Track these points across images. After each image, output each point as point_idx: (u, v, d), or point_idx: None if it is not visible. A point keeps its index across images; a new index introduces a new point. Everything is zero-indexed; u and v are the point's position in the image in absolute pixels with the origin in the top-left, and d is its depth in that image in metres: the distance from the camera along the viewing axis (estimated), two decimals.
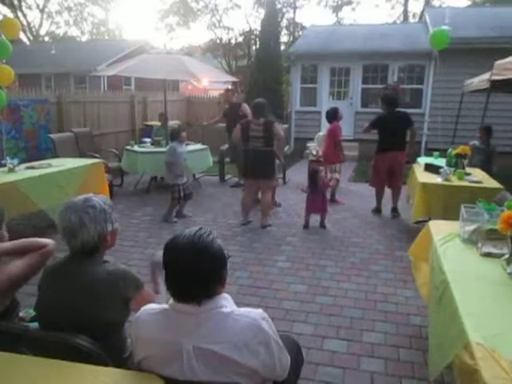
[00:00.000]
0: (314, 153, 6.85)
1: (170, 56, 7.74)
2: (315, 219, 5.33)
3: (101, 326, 1.61)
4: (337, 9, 26.87)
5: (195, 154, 7.06)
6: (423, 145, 9.93)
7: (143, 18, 54.79)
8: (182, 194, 5.42)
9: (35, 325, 1.91)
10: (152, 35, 56.00)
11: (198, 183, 7.62)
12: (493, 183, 4.48)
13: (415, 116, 5.86)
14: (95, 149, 7.50)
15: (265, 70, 12.71)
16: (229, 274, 1.41)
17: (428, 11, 12.59)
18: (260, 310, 1.38)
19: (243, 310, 1.37)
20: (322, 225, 5.28)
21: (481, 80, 5.95)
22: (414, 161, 6.02)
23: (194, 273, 1.29)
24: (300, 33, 21.29)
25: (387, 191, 5.90)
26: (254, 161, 5.01)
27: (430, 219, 3.58)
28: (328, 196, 6.01)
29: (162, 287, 1.83)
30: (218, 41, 24.75)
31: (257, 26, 22.54)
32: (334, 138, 6.39)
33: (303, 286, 3.68)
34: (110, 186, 6.22)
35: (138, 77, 11.23)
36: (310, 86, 11.49)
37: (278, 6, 20.87)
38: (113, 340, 1.66)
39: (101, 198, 1.75)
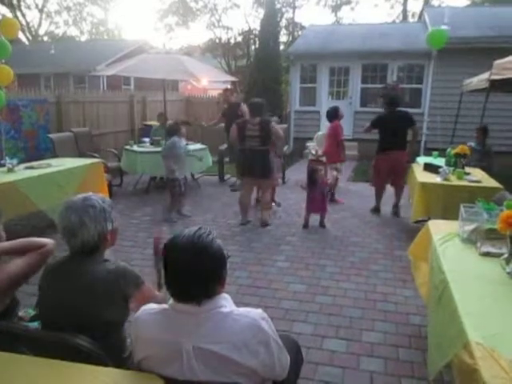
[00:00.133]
0: (314, 152, 6.85)
1: (170, 56, 7.75)
2: (315, 219, 5.34)
3: (101, 325, 1.61)
4: (336, 8, 26.89)
5: (195, 153, 7.05)
6: (422, 144, 9.93)
7: (142, 18, 54.79)
8: (182, 189, 5.44)
9: (35, 324, 1.92)
10: (151, 35, 56.06)
11: (198, 183, 7.62)
12: (492, 183, 4.49)
13: (414, 116, 5.85)
14: (94, 149, 7.50)
15: (264, 69, 12.73)
16: (228, 273, 1.41)
17: (427, 11, 12.61)
18: (259, 310, 1.38)
19: (243, 309, 1.37)
20: (322, 224, 5.29)
21: (480, 80, 5.95)
22: (413, 160, 6.02)
23: (194, 273, 1.29)
24: (299, 32, 21.30)
25: (388, 191, 5.90)
26: (251, 160, 5.02)
27: (429, 219, 3.59)
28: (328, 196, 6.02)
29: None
30: (217, 40, 24.75)
31: (256, 25, 22.56)
32: (335, 137, 6.40)
33: (302, 285, 3.68)
34: (110, 185, 6.22)
35: (138, 77, 11.22)
36: (310, 85, 11.50)
37: (278, 6, 20.87)
38: (113, 339, 1.66)
39: (100, 197, 1.75)
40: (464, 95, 7.39)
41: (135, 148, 7.07)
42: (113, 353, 1.58)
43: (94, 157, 6.49)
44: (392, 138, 5.49)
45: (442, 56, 9.66)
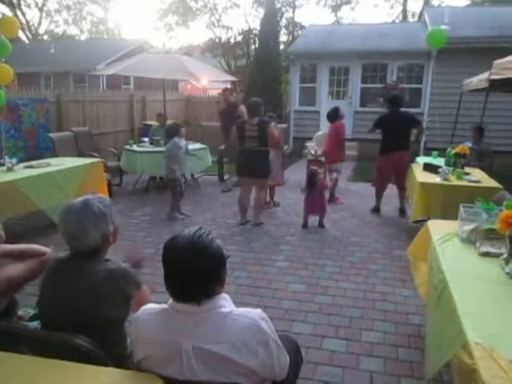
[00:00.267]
0: (313, 152, 6.86)
1: (169, 55, 7.75)
2: (314, 219, 5.34)
3: (102, 323, 1.61)
4: (336, 8, 26.88)
5: (195, 153, 7.05)
6: (422, 144, 9.93)
7: (142, 17, 54.74)
8: (183, 189, 5.46)
9: (34, 324, 1.92)
10: (151, 34, 55.98)
11: (197, 183, 7.62)
12: (491, 183, 4.49)
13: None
14: (94, 148, 7.50)
15: (264, 69, 12.72)
16: (227, 273, 1.41)
17: (427, 10, 12.61)
18: (259, 310, 1.39)
19: (242, 309, 1.37)
20: (321, 224, 5.29)
21: (480, 79, 5.95)
22: (413, 160, 6.02)
23: (194, 273, 1.29)
24: (299, 32, 21.29)
25: (388, 191, 5.91)
26: (250, 160, 5.04)
27: (428, 219, 3.59)
28: (327, 196, 6.02)
29: None
30: (217, 40, 24.74)
31: (256, 25, 22.56)
32: (338, 137, 6.40)
33: (302, 285, 3.68)
34: (109, 185, 6.22)
35: (137, 76, 11.22)
36: (309, 85, 11.49)
37: (278, 6, 20.87)
38: (114, 337, 1.66)
39: (99, 200, 1.74)
40: (464, 95, 7.40)
41: (135, 148, 7.07)
42: (113, 351, 1.58)
43: (94, 156, 6.49)
44: (394, 139, 5.48)
45: (441, 56, 9.65)
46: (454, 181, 4.54)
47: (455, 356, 1.55)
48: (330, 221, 5.48)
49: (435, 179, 4.60)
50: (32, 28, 27.34)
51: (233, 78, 12.05)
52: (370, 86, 11.07)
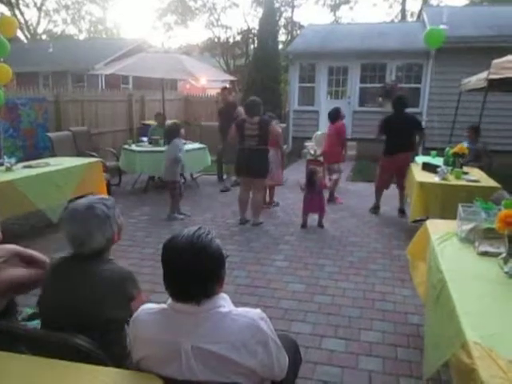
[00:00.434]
0: (312, 152, 6.86)
1: (168, 55, 7.75)
2: (313, 218, 5.34)
3: (103, 323, 1.62)
4: (334, 8, 26.86)
5: (193, 153, 7.06)
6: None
7: (141, 17, 54.65)
8: (182, 190, 5.49)
9: (33, 323, 1.92)
10: (150, 34, 55.88)
11: (196, 183, 7.62)
12: (490, 182, 4.50)
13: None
14: (93, 148, 7.49)
15: (263, 68, 12.71)
16: (227, 273, 1.41)
17: (426, 10, 12.61)
18: (258, 310, 1.39)
19: (241, 309, 1.37)
20: (320, 224, 5.29)
21: (478, 79, 5.96)
22: (412, 160, 6.02)
23: (193, 273, 1.30)
24: (298, 32, 21.26)
25: (389, 190, 5.90)
26: (249, 159, 5.04)
27: (427, 218, 3.59)
28: (326, 196, 6.02)
29: None
30: (215, 40, 24.71)
31: (255, 24, 22.54)
32: (339, 137, 6.41)
33: (301, 285, 3.68)
34: (108, 185, 6.21)
35: (136, 76, 11.21)
36: (308, 85, 11.48)
37: (276, 5, 20.88)
38: (114, 337, 1.67)
39: (103, 202, 1.74)
40: (462, 94, 7.40)
41: (134, 147, 7.06)
42: (113, 351, 1.59)
43: (93, 156, 6.49)
44: (399, 140, 5.46)
45: (440, 55, 9.66)
46: (452, 180, 4.55)
47: (454, 356, 1.55)
48: (330, 220, 5.48)
49: (434, 179, 4.60)
50: (30, 27, 27.28)
51: (232, 78, 12.04)
52: (368, 85, 11.06)
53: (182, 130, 5.55)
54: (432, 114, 9.48)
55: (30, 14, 31.25)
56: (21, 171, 4.63)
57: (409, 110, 5.78)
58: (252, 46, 22.47)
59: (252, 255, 4.36)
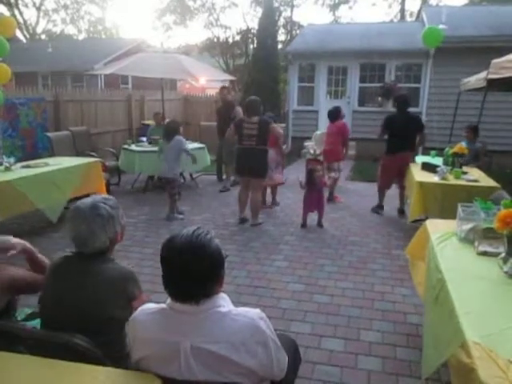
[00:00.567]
0: (312, 152, 6.85)
1: (167, 55, 7.75)
2: (313, 218, 5.34)
3: (104, 322, 1.62)
4: (334, 7, 26.83)
5: (193, 152, 7.04)
6: None
7: (140, 17, 54.66)
8: (179, 190, 5.51)
9: (32, 323, 1.91)
10: (149, 34, 55.90)
11: (196, 183, 7.61)
12: (489, 182, 4.50)
13: None
14: (92, 148, 7.49)
15: (262, 68, 12.73)
16: (226, 273, 1.41)
17: (425, 10, 12.61)
18: (258, 310, 1.39)
19: (241, 309, 1.37)
20: (320, 224, 5.29)
21: (478, 79, 5.95)
22: (413, 161, 6.02)
23: (192, 272, 1.29)
24: (297, 31, 21.25)
25: (390, 190, 5.90)
26: (247, 159, 5.04)
27: (427, 218, 3.59)
28: (326, 195, 6.02)
29: None
30: (215, 39, 24.69)
31: (254, 24, 22.54)
32: (342, 136, 6.41)
33: (301, 285, 3.68)
34: (108, 184, 6.21)
35: (136, 76, 11.20)
36: (308, 85, 11.48)
37: (276, 5, 20.87)
38: (114, 337, 1.67)
39: (107, 202, 1.76)
40: (462, 94, 7.40)
41: (133, 147, 7.06)
42: (113, 350, 1.59)
43: (92, 156, 6.48)
44: (401, 139, 5.45)
45: (439, 55, 9.67)
46: (452, 180, 4.55)
47: (453, 355, 1.55)
48: (329, 220, 5.48)
49: (433, 178, 4.60)
50: (30, 27, 27.27)
51: (231, 78, 12.03)
52: (368, 85, 11.06)
53: (181, 128, 5.59)
54: (431, 114, 9.48)
55: (29, 14, 31.34)
56: (20, 171, 4.62)
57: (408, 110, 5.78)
58: (251, 46, 22.46)
59: (252, 255, 4.36)
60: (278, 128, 5.25)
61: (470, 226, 2.42)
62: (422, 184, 4.50)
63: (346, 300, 3.41)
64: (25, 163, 5.00)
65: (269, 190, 6.20)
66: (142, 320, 1.39)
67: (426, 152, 6.13)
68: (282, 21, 23.67)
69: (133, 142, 7.57)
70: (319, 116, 11.13)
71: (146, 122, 9.71)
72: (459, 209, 2.58)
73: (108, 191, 6.03)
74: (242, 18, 36.17)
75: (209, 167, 7.72)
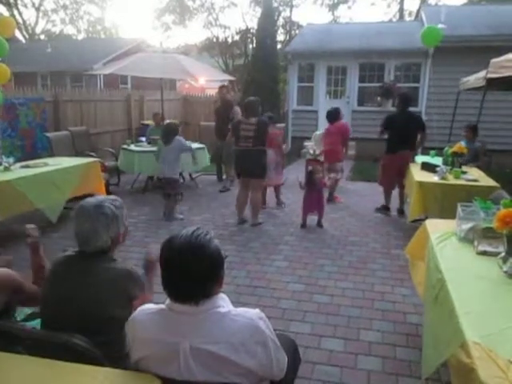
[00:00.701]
0: (312, 152, 6.83)
1: (167, 55, 7.74)
2: (313, 218, 5.34)
3: (104, 322, 1.63)
4: (333, 7, 26.80)
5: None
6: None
7: (140, 17, 54.63)
8: (181, 190, 5.56)
9: (32, 324, 1.91)
10: (148, 33, 55.87)
11: (196, 183, 7.61)
12: (489, 181, 4.50)
13: None
14: (92, 148, 7.48)
15: (262, 68, 12.71)
16: (226, 273, 1.41)
17: (424, 9, 12.60)
18: (257, 310, 1.38)
19: (240, 309, 1.37)
20: (320, 224, 5.29)
21: (477, 78, 5.95)
22: (413, 160, 6.01)
23: (191, 273, 1.29)
24: (296, 31, 21.24)
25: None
26: (246, 160, 5.04)
27: (426, 218, 3.59)
28: (326, 195, 6.02)
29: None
30: (214, 39, 24.65)
31: (253, 24, 22.50)
32: (342, 136, 6.40)
33: (300, 285, 3.68)
34: (107, 185, 6.21)
35: (135, 75, 11.20)
36: (307, 84, 11.48)
37: (275, 5, 20.83)
38: (114, 337, 1.67)
39: (112, 202, 1.78)
40: (461, 94, 7.40)
41: (132, 147, 7.05)
42: (113, 350, 1.59)
43: (92, 156, 6.48)
44: (402, 138, 5.44)
45: (439, 55, 9.66)
46: (451, 180, 4.55)
47: (453, 355, 1.55)
48: (329, 220, 5.48)
49: (433, 178, 4.60)
50: (29, 27, 27.22)
51: (230, 78, 12.02)
52: (367, 85, 11.06)
53: (180, 129, 5.60)
54: (431, 114, 9.47)
55: (29, 14, 31.22)
56: (19, 171, 4.63)
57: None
58: (251, 46, 22.44)
59: (251, 255, 4.36)
60: (276, 129, 5.22)
61: (469, 225, 2.42)
62: (421, 184, 4.50)
63: (346, 300, 3.40)
64: (24, 163, 5.00)
65: (270, 190, 6.19)
66: (142, 320, 1.39)
67: (425, 152, 6.12)
68: (281, 21, 23.65)
69: (132, 142, 7.57)
70: (319, 116, 11.12)
71: (146, 122, 9.70)
72: (459, 208, 2.58)
73: (107, 191, 6.03)
74: (241, 17, 36.27)
75: (209, 167, 7.72)
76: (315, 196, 5.20)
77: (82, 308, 1.61)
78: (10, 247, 4.22)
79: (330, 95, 11.53)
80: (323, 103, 11.13)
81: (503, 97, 8.83)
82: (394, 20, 24.60)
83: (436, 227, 2.70)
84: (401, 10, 25.60)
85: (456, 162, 4.97)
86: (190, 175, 7.73)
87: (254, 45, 16.47)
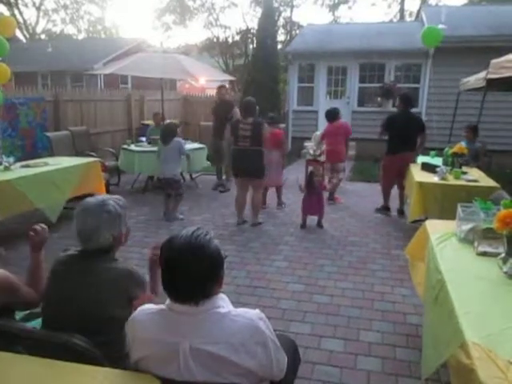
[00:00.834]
0: (312, 152, 6.83)
1: (167, 55, 7.74)
2: (312, 219, 5.34)
3: (105, 321, 1.63)
4: (333, 7, 26.82)
5: (192, 153, 7.03)
6: None
7: (140, 16, 54.64)
8: (182, 190, 5.56)
9: (32, 324, 1.91)
10: (149, 33, 55.86)
11: (196, 183, 7.61)
12: (489, 182, 4.50)
13: None
14: (92, 148, 7.49)
15: (262, 68, 12.72)
16: (226, 273, 1.41)
17: (424, 10, 12.61)
18: (257, 311, 1.38)
19: (240, 310, 1.37)
20: (320, 224, 5.29)
21: (477, 79, 5.95)
22: (415, 161, 6.00)
23: (191, 273, 1.29)
24: (297, 32, 21.24)
25: (392, 191, 5.90)
26: (243, 160, 5.04)
27: (426, 218, 3.59)
28: (326, 195, 6.02)
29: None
30: (214, 39, 24.66)
31: (254, 24, 22.51)
32: (345, 136, 6.40)
33: (300, 285, 3.68)
34: (107, 184, 6.21)
35: (135, 75, 11.21)
36: (307, 85, 11.48)
37: (275, 5, 20.85)
38: (114, 337, 1.67)
39: (116, 200, 1.78)
40: (461, 94, 7.40)
41: (133, 147, 7.05)
42: (113, 350, 1.60)
43: (92, 156, 6.48)
44: (402, 139, 5.43)
45: (439, 55, 9.67)
46: (451, 180, 4.55)
47: (453, 356, 1.55)
48: (329, 220, 5.48)
49: (433, 179, 4.60)
50: (29, 27, 27.25)
51: (231, 78, 12.03)
52: (367, 85, 11.07)
53: (179, 130, 5.60)
54: (431, 114, 9.47)
55: (29, 14, 31.25)
56: (19, 171, 4.62)
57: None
58: (251, 46, 22.45)
59: (251, 255, 4.36)
60: (267, 130, 5.18)
61: (469, 226, 2.42)
62: (421, 184, 4.50)
63: (346, 300, 3.40)
64: (24, 163, 5.00)
65: (272, 191, 6.18)
66: (142, 320, 1.39)
67: (425, 152, 6.11)
68: (281, 21, 23.67)
69: (132, 142, 7.56)
70: (319, 116, 11.11)
71: (146, 122, 9.70)
72: (459, 209, 2.58)
73: (108, 191, 6.03)
74: (241, 18, 36.22)
75: (209, 167, 7.71)
76: (315, 198, 5.19)
77: (82, 308, 1.61)
78: (11, 247, 4.23)
79: (330, 95, 11.53)
80: (323, 103, 11.13)
81: (503, 97, 8.83)
82: (395, 20, 24.60)
83: (436, 228, 2.70)
84: (401, 11, 25.62)
85: (456, 162, 4.96)
86: (191, 175, 7.73)
87: (255, 45, 16.48)
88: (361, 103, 11.16)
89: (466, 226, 2.44)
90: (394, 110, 5.82)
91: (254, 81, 12.64)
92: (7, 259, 3.96)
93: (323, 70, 11.25)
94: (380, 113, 9.80)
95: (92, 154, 6.84)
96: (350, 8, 31.04)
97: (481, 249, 2.26)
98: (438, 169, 4.69)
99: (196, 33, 54.86)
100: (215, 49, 24.29)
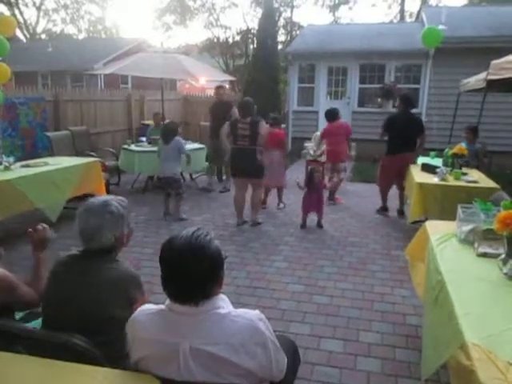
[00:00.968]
0: (312, 152, 6.83)
1: (167, 55, 7.73)
2: (312, 219, 5.34)
3: (105, 322, 1.63)
4: (334, 8, 26.83)
5: (192, 153, 7.03)
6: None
7: (140, 17, 54.65)
8: (182, 190, 5.56)
9: (32, 324, 1.91)
10: (149, 33, 55.90)
11: (196, 183, 7.61)
12: (489, 183, 4.50)
13: None
14: (92, 147, 7.48)
15: (262, 69, 12.72)
16: (226, 273, 1.41)
17: (425, 10, 12.62)
18: (257, 311, 1.38)
19: (240, 310, 1.37)
20: (319, 224, 5.29)
21: (477, 79, 5.95)
22: (415, 162, 6.00)
23: (191, 273, 1.29)
24: (297, 32, 21.24)
25: (390, 191, 5.89)
26: (242, 160, 5.04)
27: (426, 219, 3.59)
28: (326, 195, 6.02)
29: None
30: (215, 40, 24.66)
31: (254, 24, 22.51)
32: (346, 135, 6.40)
33: (300, 285, 3.68)
34: (107, 184, 6.21)
35: (135, 75, 11.20)
36: (308, 85, 11.48)
37: (276, 5, 20.87)
38: (115, 337, 1.67)
39: (119, 202, 1.78)
40: (461, 95, 7.40)
41: (133, 147, 7.05)
42: (113, 350, 1.59)
43: (92, 156, 6.48)
44: (402, 140, 5.43)
45: (439, 56, 9.67)
46: (451, 181, 4.55)
47: (453, 357, 1.55)
48: (329, 221, 5.48)
49: (433, 179, 4.60)
50: (30, 27, 27.26)
51: (231, 78, 12.02)
52: (368, 86, 11.06)
53: (179, 129, 5.61)
54: (431, 115, 9.47)
55: (29, 14, 31.30)
56: (19, 170, 4.62)
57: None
58: (251, 47, 22.45)
59: (251, 256, 4.36)
60: (264, 128, 5.17)
61: (469, 227, 2.42)
62: (421, 185, 4.50)
63: (346, 301, 3.40)
64: (24, 163, 5.00)
65: (273, 191, 6.18)
66: (142, 320, 1.39)
67: (425, 153, 6.11)
68: (281, 21, 23.68)
69: (132, 142, 7.56)
70: (319, 116, 11.10)
71: (146, 122, 9.70)
72: (459, 210, 2.58)
73: (108, 191, 6.03)
74: (241, 18, 36.19)
75: (208, 168, 7.70)
76: (315, 197, 5.20)
77: (82, 308, 1.61)
78: (10, 247, 4.22)
79: (330, 96, 11.53)
80: (324, 104, 11.12)
81: (503, 98, 8.83)
82: (395, 21, 24.62)
83: (436, 228, 2.70)
84: (401, 11, 25.63)
85: (456, 163, 4.97)
86: (191, 175, 7.73)
87: (255, 45, 16.48)
88: (361, 104, 11.16)
89: (467, 227, 2.44)
90: (394, 110, 5.80)
91: (255, 81, 12.64)
92: (7, 259, 3.95)
93: (323, 70, 11.25)
94: (380, 113, 9.79)
95: (92, 153, 6.84)
96: (350, 9, 31.01)
97: (481, 250, 2.26)
98: (438, 170, 4.69)
99: (196, 33, 54.91)
100: (215, 49, 24.29)
